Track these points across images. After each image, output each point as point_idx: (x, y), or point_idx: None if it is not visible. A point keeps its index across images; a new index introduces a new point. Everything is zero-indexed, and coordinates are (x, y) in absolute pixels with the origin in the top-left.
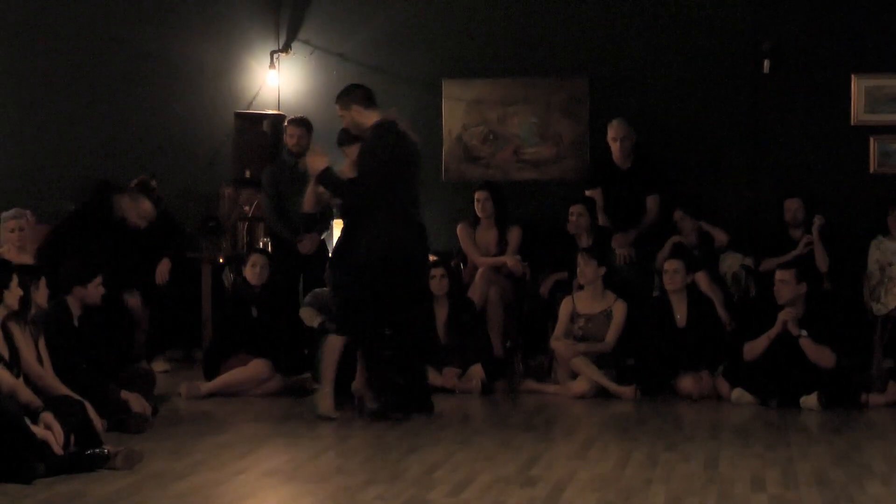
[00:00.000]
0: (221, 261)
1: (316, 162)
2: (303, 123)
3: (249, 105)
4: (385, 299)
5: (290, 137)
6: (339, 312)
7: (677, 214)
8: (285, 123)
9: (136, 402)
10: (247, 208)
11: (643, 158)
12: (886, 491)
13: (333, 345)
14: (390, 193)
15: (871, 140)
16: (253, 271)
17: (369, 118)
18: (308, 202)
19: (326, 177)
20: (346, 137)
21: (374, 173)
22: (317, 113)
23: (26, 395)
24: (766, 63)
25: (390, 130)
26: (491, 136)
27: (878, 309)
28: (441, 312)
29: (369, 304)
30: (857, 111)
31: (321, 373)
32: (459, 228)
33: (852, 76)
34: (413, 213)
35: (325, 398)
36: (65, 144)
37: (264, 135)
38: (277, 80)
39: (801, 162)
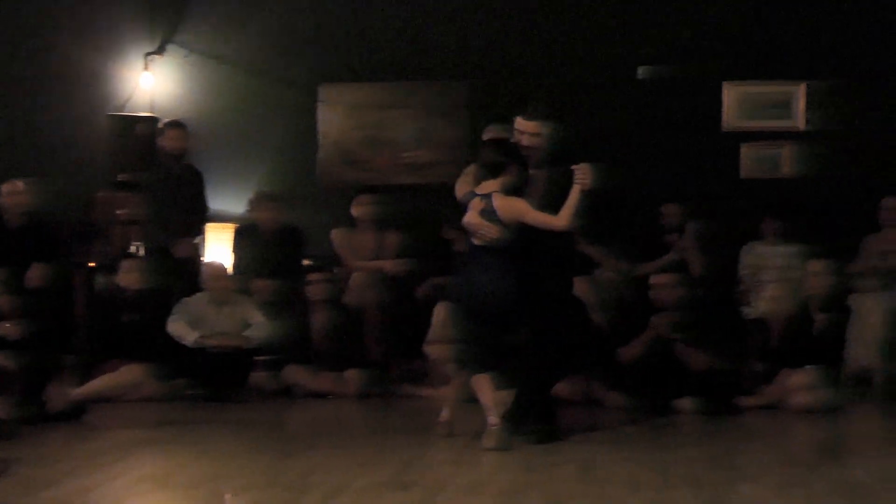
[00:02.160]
0: (95, 265)
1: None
2: (182, 126)
3: (123, 108)
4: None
5: (170, 140)
6: (481, 349)
7: None
8: (161, 125)
9: None
10: (121, 212)
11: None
12: (758, 493)
13: (483, 383)
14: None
15: (742, 146)
16: (128, 276)
17: None
18: (567, 216)
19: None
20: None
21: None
22: (191, 116)
23: None
24: (641, 69)
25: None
26: (370, 141)
27: (751, 313)
28: (318, 317)
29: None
30: (729, 118)
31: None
32: (336, 233)
33: (724, 83)
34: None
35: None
36: None
37: (138, 138)
38: (152, 82)
39: (676, 167)
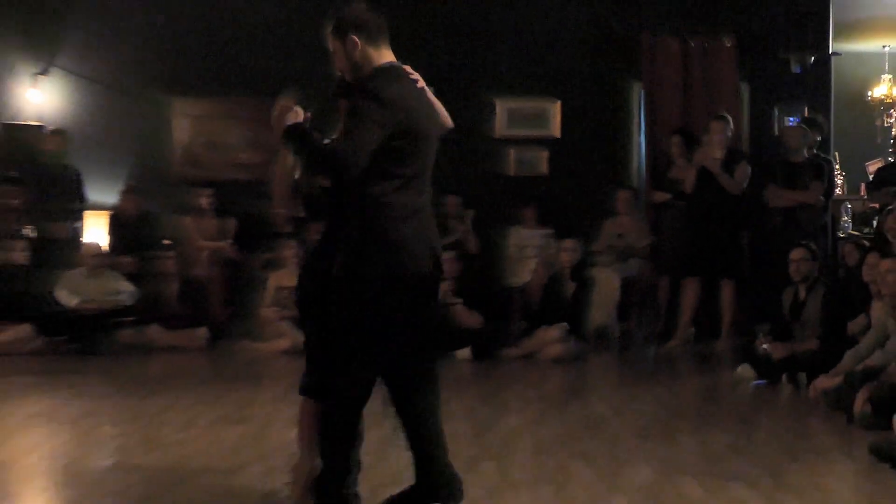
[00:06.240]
0: None
1: (283, 113)
2: (63, 132)
3: (14, 118)
4: (367, 340)
5: (53, 144)
6: (309, 363)
7: None
8: (46, 132)
9: None
10: (4, 201)
11: None
12: (520, 424)
13: (307, 411)
14: (385, 176)
15: (511, 150)
16: (17, 253)
17: (374, 58)
18: (278, 188)
19: (295, 134)
20: (345, 87)
21: (363, 138)
22: (71, 124)
23: None
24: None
25: (398, 77)
26: (211, 145)
27: (515, 281)
28: (172, 286)
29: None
30: (500, 127)
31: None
32: (186, 219)
33: (496, 100)
34: (419, 210)
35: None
36: None
37: (25, 142)
38: (39, 97)
39: (458, 167)
